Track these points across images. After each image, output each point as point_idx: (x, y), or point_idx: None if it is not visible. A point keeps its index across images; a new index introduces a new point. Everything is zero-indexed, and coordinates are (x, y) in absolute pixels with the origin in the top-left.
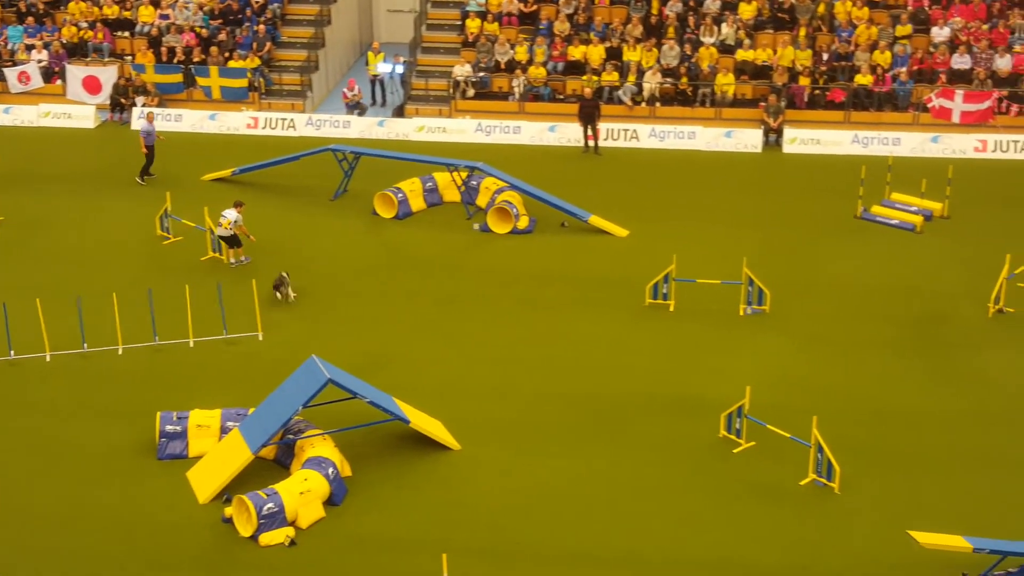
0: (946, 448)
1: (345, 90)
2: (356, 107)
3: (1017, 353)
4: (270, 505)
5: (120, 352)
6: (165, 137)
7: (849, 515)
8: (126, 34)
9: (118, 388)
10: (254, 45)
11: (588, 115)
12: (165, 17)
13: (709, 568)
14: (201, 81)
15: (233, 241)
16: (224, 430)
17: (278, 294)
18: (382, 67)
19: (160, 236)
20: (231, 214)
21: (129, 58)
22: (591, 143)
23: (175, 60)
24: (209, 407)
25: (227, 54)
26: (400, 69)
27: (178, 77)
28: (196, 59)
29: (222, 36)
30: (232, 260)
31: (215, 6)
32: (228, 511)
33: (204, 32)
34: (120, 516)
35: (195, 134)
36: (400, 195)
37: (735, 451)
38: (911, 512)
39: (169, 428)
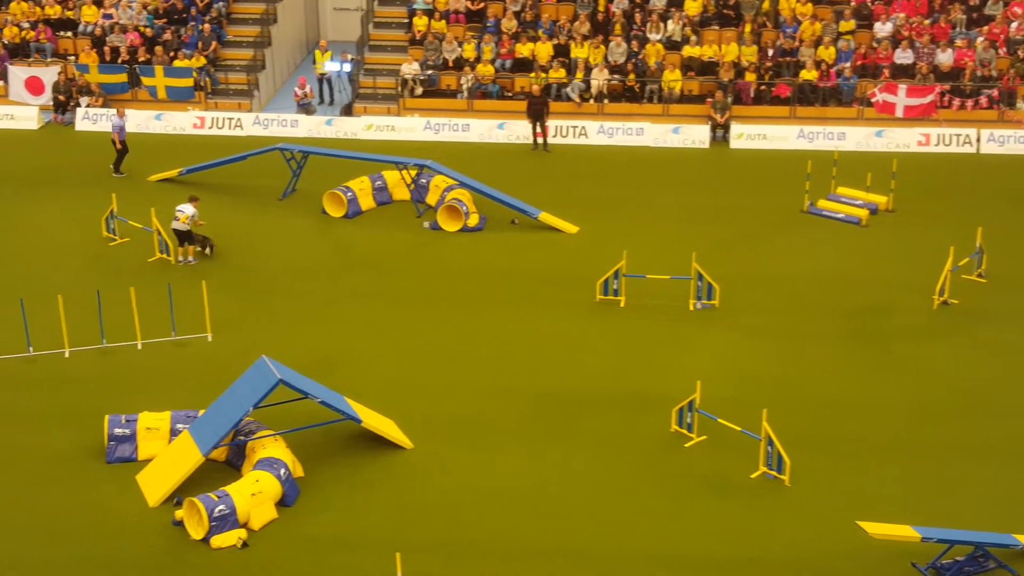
0: (894, 439)
1: (296, 89)
2: (306, 106)
3: (962, 344)
4: (221, 507)
5: (67, 355)
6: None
7: (799, 507)
8: (69, 34)
9: (65, 391)
10: (199, 44)
11: (537, 112)
12: (108, 17)
13: (661, 561)
14: (146, 81)
15: (186, 237)
16: (174, 432)
17: (207, 250)
18: (330, 65)
19: (106, 237)
20: (188, 208)
21: (72, 58)
22: (540, 140)
23: (119, 60)
24: (158, 409)
25: (172, 53)
26: (348, 67)
27: (123, 77)
28: (141, 59)
29: (167, 35)
30: (180, 258)
31: (159, 5)
32: (179, 514)
33: (149, 32)
34: (69, 521)
35: (141, 134)
36: (349, 194)
37: (686, 445)
38: (860, 503)
39: (118, 431)
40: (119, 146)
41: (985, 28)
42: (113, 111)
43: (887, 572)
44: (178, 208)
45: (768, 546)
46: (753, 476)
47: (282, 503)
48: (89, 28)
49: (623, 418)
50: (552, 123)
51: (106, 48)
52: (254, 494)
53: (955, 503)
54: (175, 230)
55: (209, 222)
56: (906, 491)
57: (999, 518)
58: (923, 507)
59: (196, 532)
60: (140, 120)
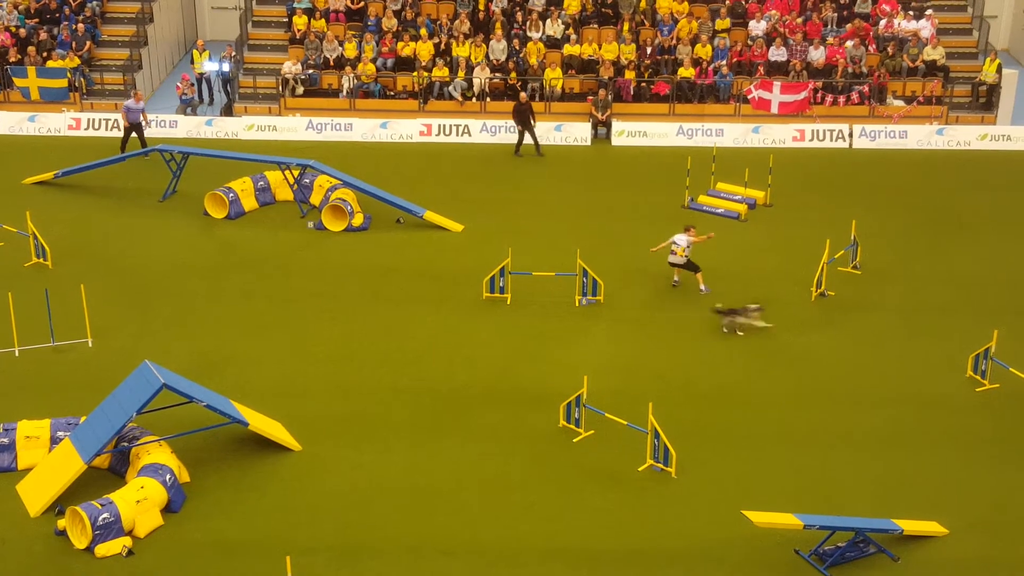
0: (775, 428)
1: (179, 84)
2: (189, 101)
3: (839, 334)
4: (105, 515)
5: None
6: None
7: (686, 498)
8: None
9: None
10: (73, 44)
11: (523, 117)
12: None
13: (553, 555)
14: (18, 82)
15: (691, 267)
16: (55, 440)
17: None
18: (208, 65)
19: None
20: (682, 240)
21: None
22: (531, 143)
23: None
24: (38, 417)
25: (45, 54)
26: (227, 67)
27: None
28: (12, 59)
29: (41, 35)
30: (702, 287)
31: (31, 5)
32: (61, 523)
33: (22, 32)
34: None
35: (13, 136)
36: (231, 195)
37: (575, 440)
38: (745, 492)
39: None
40: (126, 126)
41: (852, 25)
42: (137, 92)
43: (772, 559)
44: (673, 240)
45: (657, 537)
46: (641, 469)
47: (168, 509)
48: None
49: (512, 414)
50: (435, 121)
51: None
52: (139, 501)
53: (836, 490)
54: (671, 263)
55: (88, 225)
56: (789, 480)
57: (878, 504)
58: (805, 495)
59: (80, 541)
60: (13, 122)
